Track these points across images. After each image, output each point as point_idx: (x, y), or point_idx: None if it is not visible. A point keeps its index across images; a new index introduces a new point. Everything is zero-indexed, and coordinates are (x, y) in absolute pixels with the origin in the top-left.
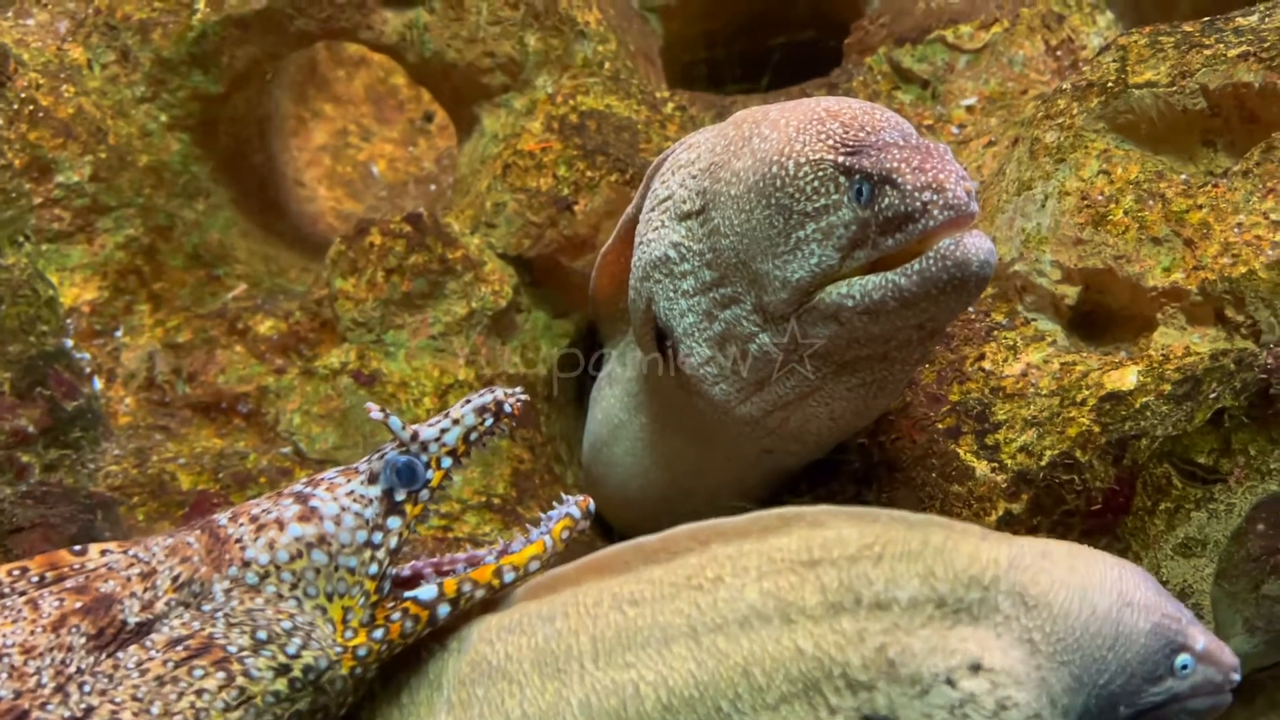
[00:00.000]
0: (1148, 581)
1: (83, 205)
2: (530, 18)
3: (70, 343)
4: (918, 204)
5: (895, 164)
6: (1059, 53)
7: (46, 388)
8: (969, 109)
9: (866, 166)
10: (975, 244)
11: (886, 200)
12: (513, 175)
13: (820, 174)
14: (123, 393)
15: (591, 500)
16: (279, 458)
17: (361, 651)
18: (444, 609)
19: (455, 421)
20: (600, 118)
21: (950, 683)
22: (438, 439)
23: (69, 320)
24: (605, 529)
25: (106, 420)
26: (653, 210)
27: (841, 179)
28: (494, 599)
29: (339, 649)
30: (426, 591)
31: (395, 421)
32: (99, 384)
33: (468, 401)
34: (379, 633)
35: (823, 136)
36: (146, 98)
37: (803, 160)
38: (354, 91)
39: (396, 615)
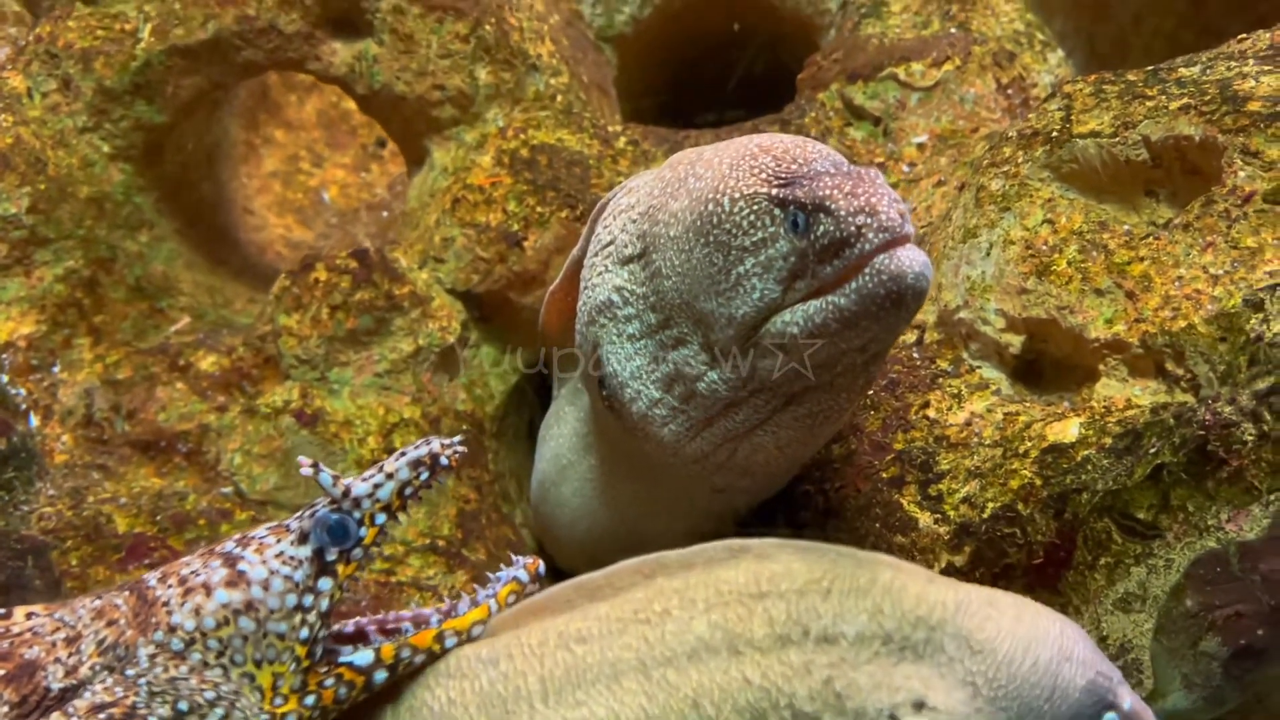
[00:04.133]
0: (1085, 639)
1: (20, 237)
2: (481, 51)
3: (5, 378)
4: (852, 228)
5: (828, 191)
6: (1010, 91)
7: None
8: (920, 146)
9: (800, 196)
10: (909, 257)
11: (821, 228)
12: (462, 210)
13: (755, 208)
14: (59, 430)
15: (541, 563)
16: (219, 498)
17: (290, 719)
18: (380, 675)
19: (389, 476)
20: (551, 152)
21: (894, 718)
22: (371, 494)
23: (4, 355)
24: (552, 569)
25: (41, 459)
26: (596, 255)
27: (776, 211)
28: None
29: (265, 717)
30: (363, 657)
31: (325, 477)
32: (35, 421)
33: (402, 454)
34: (310, 699)
35: (755, 171)
36: (88, 127)
37: (737, 195)
38: (306, 117)
39: (330, 681)
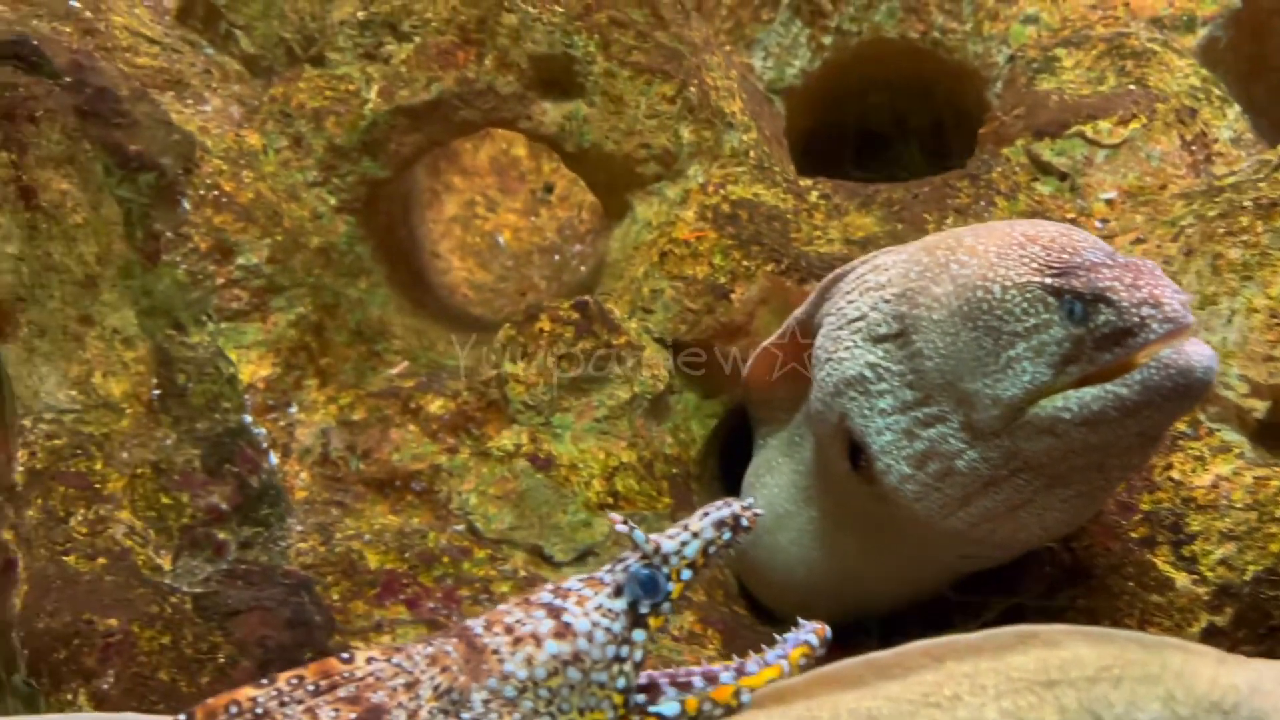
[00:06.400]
0: None
1: (259, 286)
2: (686, 110)
3: (249, 418)
4: (1135, 319)
5: (1109, 283)
6: (1194, 147)
7: (234, 464)
8: (1109, 203)
9: (1078, 286)
10: (1197, 351)
11: (1102, 318)
12: (669, 263)
13: (1028, 295)
14: (298, 468)
15: (828, 629)
16: (456, 536)
17: None
18: None
19: (694, 535)
20: (750, 207)
21: None
22: (678, 552)
23: (246, 396)
24: (753, 605)
25: (287, 496)
26: (841, 329)
27: (1050, 299)
28: None
29: None
30: (670, 708)
31: (639, 534)
32: (275, 459)
33: (705, 514)
34: None
35: (1026, 260)
36: (317, 182)
37: (1009, 284)
38: (480, 163)
39: None
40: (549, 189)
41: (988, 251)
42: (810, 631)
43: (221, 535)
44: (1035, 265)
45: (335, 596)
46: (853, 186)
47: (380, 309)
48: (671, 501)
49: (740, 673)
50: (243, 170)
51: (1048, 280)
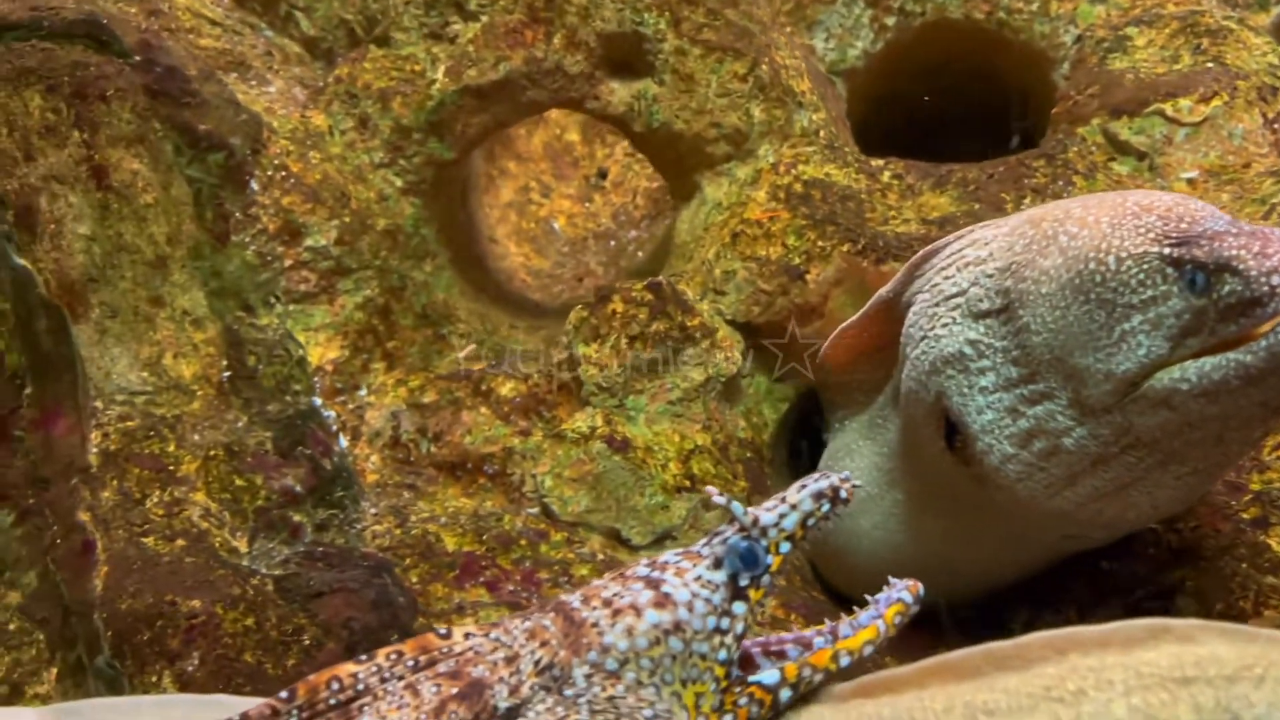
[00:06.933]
0: None
1: (327, 268)
2: (757, 89)
3: (319, 401)
4: (1265, 288)
5: (1235, 251)
6: (1276, 125)
7: (306, 447)
8: (1190, 182)
9: (1199, 256)
10: None
11: (1227, 288)
12: (742, 243)
13: (1145, 267)
14: (368, 451)
15: (921, 586)
16: (531, 519)
17: None
18: (786, 693)
19: (793, 507)
20: (823, 187)
21: None
22: (777, 524)
23: (315, 379)
24: (827, 591)
25: (358, 479)
26: (937, 306)
27: (1169, 270)
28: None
29: None
30: (770, 676)
31: (738, 506)
32: (344, 442)
33: (803, 486)
34: (728, 717)
35: (1141, 230)
36: (384, 163)
37: (1124, 255)
38: (533, 149)
39: (743, 700)
40: (603, 175)
41: (1099, 222)
42: (904, 589)
43: (297, 518)
44: (1152, 235)
45: (414, 579)
46: (925, 166)
47: (445, 292)
48: (747, 485)
49: (835, 636)
50: (310, 151)
51: (1166, 250)
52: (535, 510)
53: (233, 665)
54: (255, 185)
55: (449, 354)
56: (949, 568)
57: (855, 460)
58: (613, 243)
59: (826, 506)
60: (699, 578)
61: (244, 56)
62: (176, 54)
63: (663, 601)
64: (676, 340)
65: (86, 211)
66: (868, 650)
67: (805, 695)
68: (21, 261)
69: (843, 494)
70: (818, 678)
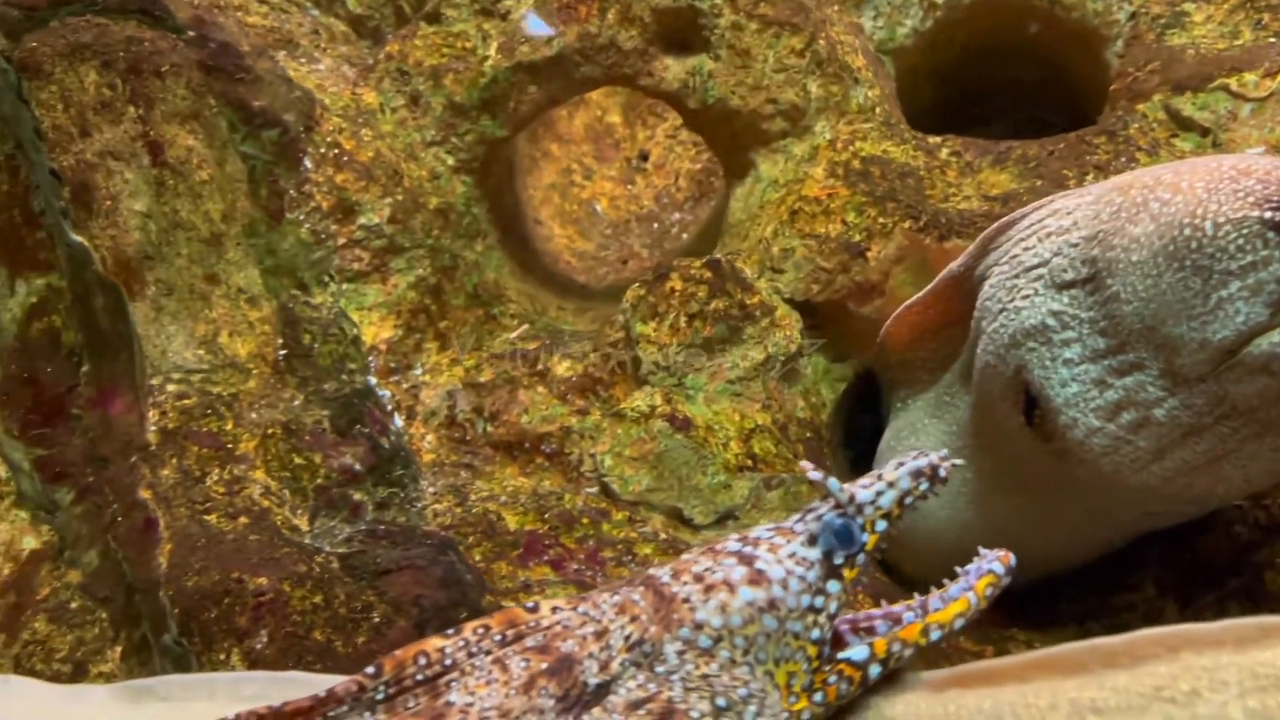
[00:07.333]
0: None
1: (380, 246)
2: (814, 65)
3: (374, 380)
4: None
5: None
6: None
7: (364, 425)
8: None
9: None
10: None
11: None
12: (800, 221)
13: (1245, 231)
14: (423, 430)
15: (1012, 556)
16: (591, 498)
17: (805, 717)
18: (875, 669)
19: (890, 485)
20: (882, 163)
21: None
22: (873, 502)
23: (370, 359)
24: (889, 572)
25: (415, 458)
26: (1016, 278)
27: (1270, 235)
28: (896, 671)
29: (786, 716)
30: (859, 652)
31: (834, 482)
32: (400, 421)
33: (901, 464)
34: (819, 696)
35: (1239, 194)
36: (436, 141)
37: (1222, 220)
38: (575, 130)
39: (833, 678)
40: (644, 157)
41: (1194, 187)
42: (994, 560)
43: (357, 496)
44: (1252, 199)
45: (477, 558)
46: (983, 144)
47: (495, 272)
48: None
49: (925, 610)
50: (361, 129)
51: (1267, 214)
52: (594, 489)
53: (302, 643)
54: (309, 163)
55: (499, 334)
56: (1019, 548)
57: (921, 439)
58: (656, 225)
59: (925, 485)
60: (793, 554)
61: (292, 34)
62: (229, 30)
63: (757, 578)
64: (736, 318)
65: (142, 188)
66: (958, 624)
67: (899, 683)
68: (78, 238)
69: (941, 473)
70: (907, 653)
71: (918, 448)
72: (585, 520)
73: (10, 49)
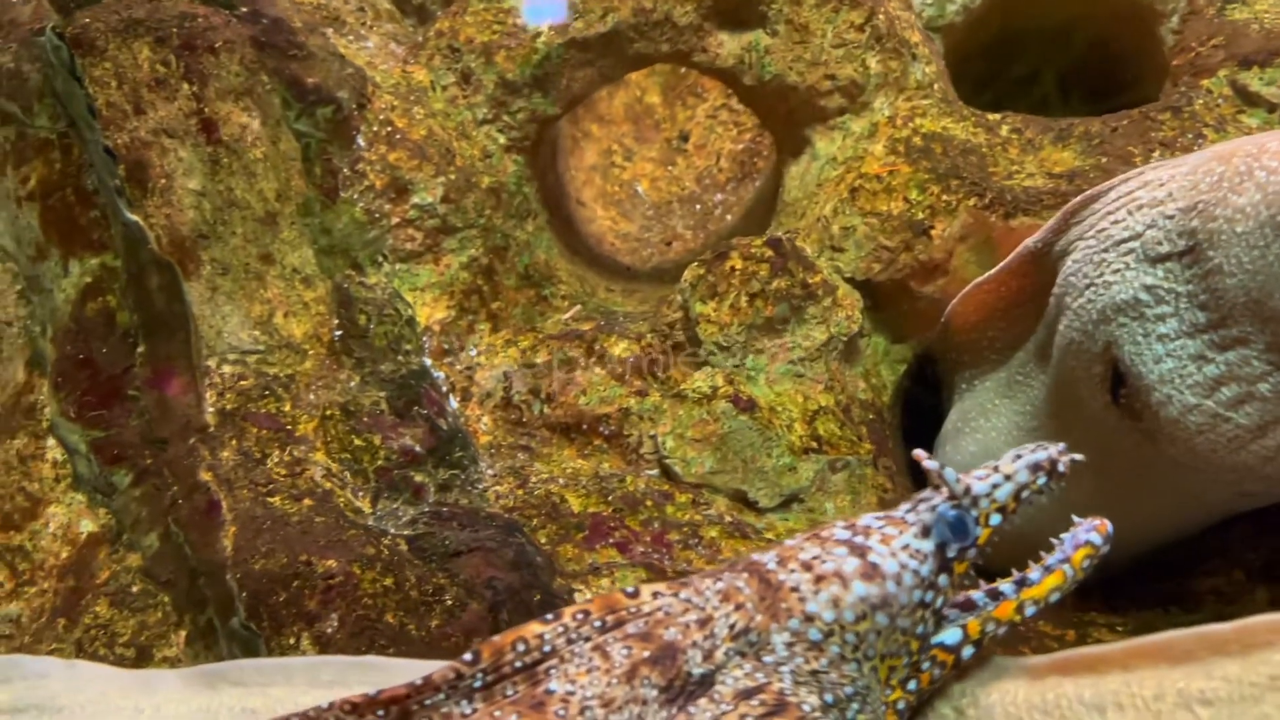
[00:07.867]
0: None
1: (433, 226)
2: (874, 40)
3: (428, 361)
4: None
5: None
6: None
7: (422, 406)
8: None
9: None
10: None
11: None
12: (861, 198)
13: None
14: (479, 412)
15: (1109, 524)
16: (653, 480)
17: (900, 706)
18: (968, 650)
19: (1008, 477)
20: (943, 140)
21: None
22: (989, 494)
23: (424, 339)
24: None
25: (473, 440)
26: (1105, 252)
27: None
28: (986, 653)
29: (883, 708)
30: (952, 635)
31: (950, 473)
32: (454, 403)
33: (1018, 456)
34: (913, 684)
35: None
36: (488, 119)
37: None
38: (615, 111)
39: (926, 664)
40: (684, 137)
41: None
42: (1091, 530)
43: (419, 478)
44: None
45: (543, 540)
46: (1044, 121)
47: (546, 253)
48: (873, 448)
49: (1022, 584)
50: (413, 107)
51: None
52: (654, 471)
53: (374, 626)
54: (362, 141)
55: (551, 315)
56: None
57: (992, 420)
58: (698, 207)
59: (1043, 480)
60: (907, 546)
61: (338, 12)
62: (280, 6)
63: (870, 573)
64: (798, 298)
65: (197, 166)
66: (1054, 598)
67: (996, 667)
68: (133, 217)
69: (1060, 467)
70: (1001, 631)
71: (988, 429)
72: (649, 503)
73: (63, 25)
